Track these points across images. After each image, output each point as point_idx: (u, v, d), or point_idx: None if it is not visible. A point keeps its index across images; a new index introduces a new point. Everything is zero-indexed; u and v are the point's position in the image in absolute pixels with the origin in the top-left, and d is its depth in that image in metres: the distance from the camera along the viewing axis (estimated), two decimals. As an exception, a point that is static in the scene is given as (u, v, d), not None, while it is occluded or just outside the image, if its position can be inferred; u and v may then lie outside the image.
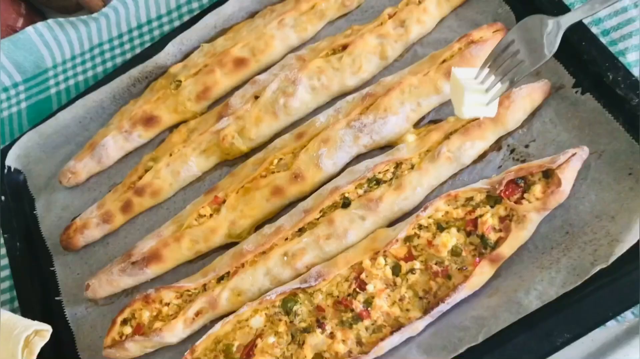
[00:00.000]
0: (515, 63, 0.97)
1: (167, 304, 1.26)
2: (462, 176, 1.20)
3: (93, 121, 1.57)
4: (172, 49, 1.53)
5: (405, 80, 1.25)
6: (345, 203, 1.20)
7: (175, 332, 1.23)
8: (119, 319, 1.28)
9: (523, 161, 1.18)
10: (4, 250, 1.50)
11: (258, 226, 1.31)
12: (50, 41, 1.75)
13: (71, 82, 1.74)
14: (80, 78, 1.73)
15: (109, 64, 1.72)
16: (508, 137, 1.20)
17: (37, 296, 1.43)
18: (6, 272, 1.49)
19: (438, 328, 1.09)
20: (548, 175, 1.11)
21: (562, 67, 1.19)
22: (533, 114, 1.20)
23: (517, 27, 0.99)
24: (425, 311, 1.09)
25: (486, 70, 1.01)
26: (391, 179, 1.20)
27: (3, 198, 1.54)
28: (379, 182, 1.20)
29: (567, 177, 1.09)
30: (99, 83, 1.58)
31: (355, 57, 1.33)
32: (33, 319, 1.31)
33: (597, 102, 1.14)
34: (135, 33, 1.72)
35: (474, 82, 1.02)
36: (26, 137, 1.57)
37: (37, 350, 1.28)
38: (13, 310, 1.41)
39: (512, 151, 1.19)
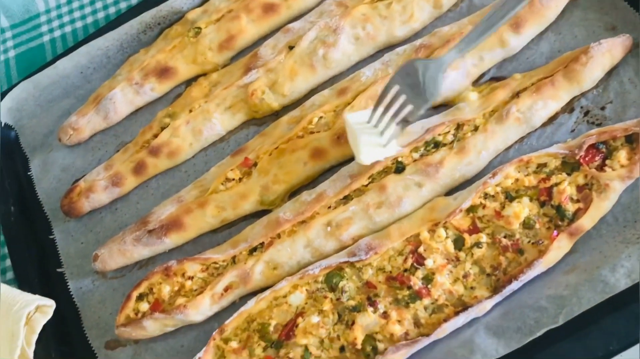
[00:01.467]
0: (403, 107, 0.98)
1: (191, 278, 1.12)
2: (530, 140, 1.08)
3: (97, 71, 1.40)
4: (190, -10, 1.35)
5: (466, 30, 1.11)
6: (399, 168, 1.07)
7: (201, 309, 1.09)
8: (135, 293, 1.13)
9: (599, 124, 1.06)
10: (-5, 215, 1.32)
11: (293, 194, 1.17)
12: (43, -19, 1.56)
13: (68, 28, 1.55)
14: (79, 24, 1.55)
15: (112, 10, 1.54)
16: (581, 97, 1.08)
17: (35, 267, 1.27)
18: (-2, 239, 1.32)
19: (508, 308, 0.97)
20: (632, 139, 1.00)
21: (644, 21, 1.07)
22: (609, 74, 1.08)
23: (397, 73, 1.00)
24: (495, 290, 0.97)
25: (379, 111, 1.01)
26: (452, 142, 1.07)
27: (-8, 156, 1.36)
28: (437, 145, 1.07)
29: (657, 142, 0.98)
30: (103, 29, 1.41)
31: (406, 3, 1.19)
32: (31, 293, 1.15)
33: (685, 60, 1.02)
34: (142, -24, 1.53)
35: (368, 125, 1.02)
36: (19, 88, 1.39)
37: (39, 328, 1.14)
38: (7, 283, 1.24)
39: (586, 113, 1.07)
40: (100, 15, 1.54)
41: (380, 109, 1.01)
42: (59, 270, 1.26)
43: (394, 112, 0.99)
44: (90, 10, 1.55)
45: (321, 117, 1.16)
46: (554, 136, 1.07)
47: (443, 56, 1.00)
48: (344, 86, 1.17)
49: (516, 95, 1.07)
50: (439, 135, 1.07)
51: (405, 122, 0.99)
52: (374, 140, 1.01)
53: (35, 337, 1.13)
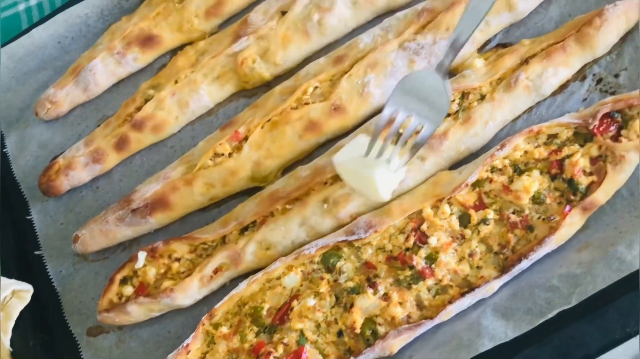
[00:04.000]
0: (413, 130, 0.91)
1: (178, 259, 1.06)
2: (540, 109, 1.02)
3: (75, 41, 1.33)
4: (175, -47, 1.26)
5: (471, -7, 1.03)
6: (400, 140, 1.00)
7: (189, 292, 1.03)
8: (118, 277, 1.07)
9: (612, 93, 1.00)
10: (-33, 194, 1.25)
11: (286, 169, 1.10)
12: (17, -54, 1.46)
13: (44, -5, 1.46)
14: (56, -9, 1.45)
15: (92, -24, 1.44)
16: (593, 64, 1.02)
17: (12, 250, 1.20)
18: (-29, 220, 1.24)
19: (517, 289, 0.91)
20: (649, 109, 0.93)
21: (662, -18, 1.00)
22: (624, 39, 1.01)
23: (393, 95, 0.91)
24: (503, 269, 0.91)
25: (378, 142, 0.93)
26: (457, 111, 1.00)
27: (-37, 133, 1.28)
28: (441, 115, 1.00)
29: (676, 110, 0.91)
30: (82, -5, 1.31)
31: (407, -35, 1.11)
32: (7, 277, 1.09)
33: None
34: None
35: (366, 159, 0.93)
36: (-8, 59, 1.30)
37: (16, 314, 1.08)
38: (-19, 266, 1.17)
39: (599, 81, 1.01)
40: (79, -18, 1.44)
41: (379, 140, 0.93)
42: (37, 252, 1.19)
43: (403, 135, 0.91)
44: (68, -24, 1.45)
45: (316, 87, 1.09)
46: (564, 105, 1.01)
47: (439, 61, 0.90)
48: (340, 54, 1.10)
49: (525, 61, 1.01)
50: (443, 104, 1.00)
51: (417, 145, 0.91)
52: (385, 172, 0.92)
53: (11, 324, 1.07)
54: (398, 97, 0.91)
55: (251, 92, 1.18)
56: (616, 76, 1.00)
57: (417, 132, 0.91)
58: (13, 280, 1.08)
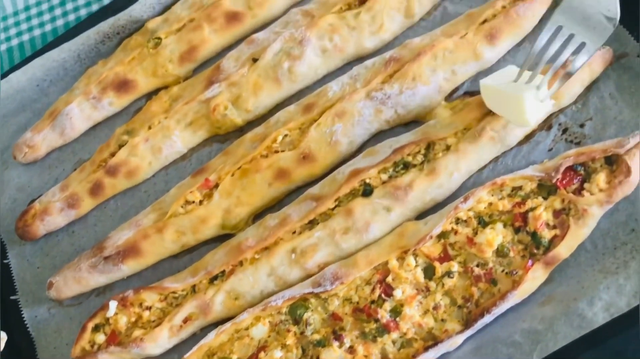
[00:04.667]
0: (574, 49, 0.90)
1: (149, 308, 1.07)
2: (505, 159, 1.02)
3: (53, 84, 1.33)
4: (150, -1, 1.28)
5: (438, 43, 1.04)
6: (367, 191, 1.01)
7: (159, 342, 1.03)
8: (90, 324, 1.08)
9: (578, 143, 1.00)
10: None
11: (257, 216, 1.11)
12: (-2, -13, 1.48)
13: (25, 37, 1.48)
14: (37, 32, 1.47)
15: (72, 17, 1.46)
16: (559, 113, 1.02)
17: (-13, 295, 1.20)
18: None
19: (481, 343, 0.92)
20: (611, 161, 0.94)
21: (626, 32, 1.01)
22: (589, 88, 1.02)
23: (560, 9, 0.90)
24: (466, 323, 0.91)
25: (533, 69, 0.93)
26: (422, 162, 1.01)
27: (-58, 176, 1.29)
28: (407, 166, 1.01)
29: (637, 164, 0.91)
30: (60, 39, 1.34)
31: (375, 13, 1.12)
32: (-17, 323, 1.10)
33: (669, 74, 0.96)
34: (103, -20, 1.45)
35: (515, 83, 0.94)
36: (-30, 102, 1.31)
37: None
38: (-42, 312, 1.18)
39: (565, 131, 1.01)
40: (60, 22, 1.46)
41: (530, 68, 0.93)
42: (12, 297, 1.19)
43: (556, 63, 0.92)
44: (48, 17, 1.47)
45: (286, 135, 1.09)
46: (530, 155, 1.01)
47: None
48: (310, 102, 1.11)
49: (490, 112, 1.01)
50: (408, 155, 1.01)
51: (568, 75, 0.92)
52: (533, 98, 0.92)
53: (-15, 371, 1.07)
54: (564, 11, 0.90)
55: (224, 137, 1.19)
56: (581, 126, 1.01)
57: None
58: (-13, 329, 1.09)
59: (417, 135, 1.02)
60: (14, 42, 1.48)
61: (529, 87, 0.93)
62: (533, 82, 0.93)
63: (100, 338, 1.07)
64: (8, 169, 1.31)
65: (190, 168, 1.19)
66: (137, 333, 1.04)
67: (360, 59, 1.14)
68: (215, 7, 1.21)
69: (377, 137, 1.09)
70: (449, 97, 1.08)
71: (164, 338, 1.03)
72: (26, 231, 1.20)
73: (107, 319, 1.07)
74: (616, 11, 0.88)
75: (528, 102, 0.91)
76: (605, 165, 0.94)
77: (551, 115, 1.02)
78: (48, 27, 1.47)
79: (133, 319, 1.06)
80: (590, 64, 0.99)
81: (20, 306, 1.18)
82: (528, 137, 1.02)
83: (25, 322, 1.17)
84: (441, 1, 1.15)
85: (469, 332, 0.91)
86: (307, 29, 1.12)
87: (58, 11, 1.47)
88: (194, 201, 1.10)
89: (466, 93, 1.07)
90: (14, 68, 1.34)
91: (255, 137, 1.12)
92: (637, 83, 0.99)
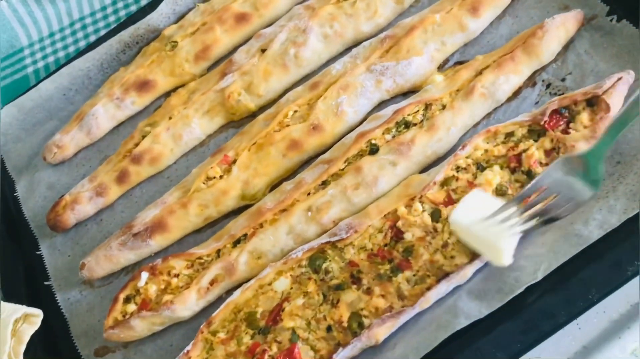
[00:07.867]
0: (554, 207, 0.91)
1: (177, 275, 1.13)
2: (497, 114, 1.12)
3: (79, 93, 1.44)
4: (166, 9, 1.42)
5: (427, 18, 1.17)
6: (373, 150, 1.10)
7: (188, 304, 1.09)
8: (122, 296, 1.13)
9: (561, 94, 1.10)
10: (-19, 236, 1.33)
11: (274, 186, 1.19)
12: (25, 17, 1.62)
13: (51, 59, 1.61)
14: (61, 54, 1.60)
15: (92, 38, 1.60)
16: (542, 72, 1.13)
17: (22, 284, 1.27)
18: (-15, 258, 1.32)
19: (488, 273, 0.98)
20: (592, 103, 1.04)
21: (594, -4, 1.13)
22: (566, 47, 1.13)
23: (549, 170, 0.92)
24: (474, 256, 0.98)
25: (511, 206, 0.92)
26: (422, 121, 1.11)
27: (-22, 180, 1.38)
28: (408, 125, 1.11)
29: (615, 102, 1.02)
30: (84, 51, 1.45)
31: (369, 1, 1.24)
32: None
33: (635, 28, 1.08)
34: (120, 4, 1.60)
35: (488, 222, 0.92)
36: (3, 112, 1.42)
37: (27, 338, 1.12)
38: (-6, 300, 1.24)
39: (548, 86, 1.12)
40: (82, 44, 1.60)
41: (512, 206, 0.92)
42: (46, 283, 1.25)
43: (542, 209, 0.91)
44: (71, 40, 1.61)
45: (296, 111, 1.20)
46: (519, 109, 1.11)
47: (596, 146, 0.91)
48: (316, 80, 1.22)
49: (479, 73, 1.12)
50: (409, 115, 1.11)
51: (548, 221, 0.92)
52: (510, 239, 0.92)
53: (23, 348, 1.11)
54: (554, 174, 0.92)
55: (239, 122, 1.29)
56: (563, 80, 1.11)
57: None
58: (24, 306, 1.15)
59: (416, 99, 1.13)
60: (40, 64, 1.60)
61: (504, 229, 0.91)
62: (508, 223, 0.92)
63: (132, 308, 1.12)
64: (38, 171, 1.39)
65: (209, 153, 1.27)
66: (167, 298, 1.10)
67: (357, 43, 1.25)
68: (225, 9, 1.34)
69: (380, 107, 1.19)
70: (441, 68, 1.19)
71: (192, 300, 1.09)
72: (58, 220, 1.27)
73: (138, 290, 1.13)
74: (599, 179, 0.90)
75: (506, 247, 0.91)
76: (587, 107, 1.04)
77: (534, 72, 1.13)
78: (71, 49, 1.60)
79: (162, 287, 1.12)
80: (564, 24, 1.11)
81: (53, 290, 1.24)
82: (516, 94, 1.12)
83: (59, 304, 1.22)
84: (428, -12, 1.28)
85: (477, 263, 0.97)
86: (310, 18, 1.25)
87: (80, 34, 1.61)
88: (214, 177, 1.19)
89: (457, 63, 1.19)
90: (41, 80, 1.45)
91: (268, 116, 1.22)
92: (608, 39, 1.10)
